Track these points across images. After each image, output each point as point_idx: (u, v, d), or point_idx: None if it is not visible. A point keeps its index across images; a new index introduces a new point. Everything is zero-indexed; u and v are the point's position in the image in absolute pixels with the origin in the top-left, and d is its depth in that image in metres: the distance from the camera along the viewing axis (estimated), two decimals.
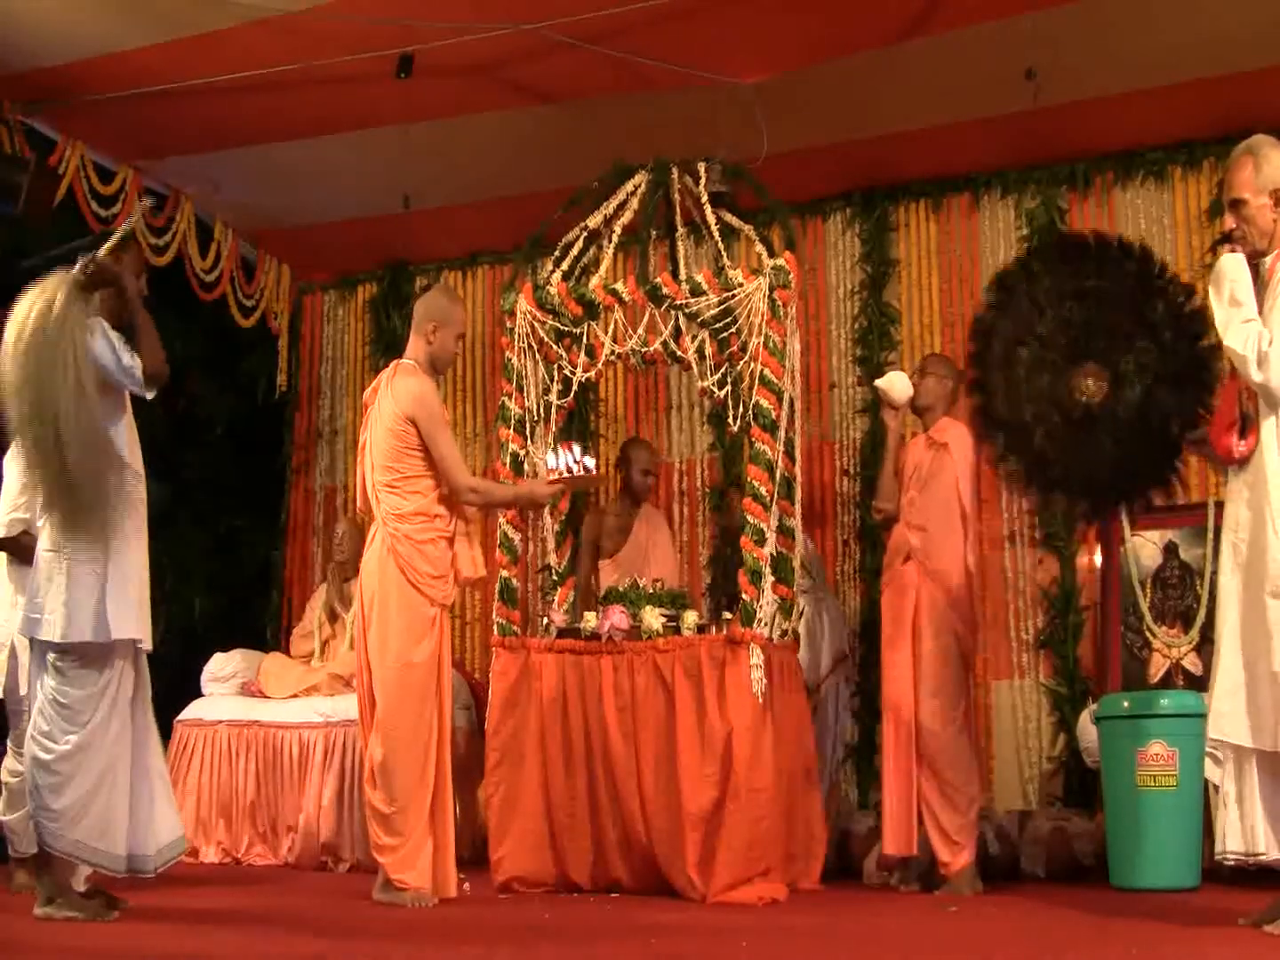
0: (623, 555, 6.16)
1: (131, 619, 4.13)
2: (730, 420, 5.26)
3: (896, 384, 5.41)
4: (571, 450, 4.80)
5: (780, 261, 5.09)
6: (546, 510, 5.52)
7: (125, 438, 4.25)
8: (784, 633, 5.13)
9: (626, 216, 5.38)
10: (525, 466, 5.31)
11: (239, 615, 7.72)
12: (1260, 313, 3.83)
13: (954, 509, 5.14)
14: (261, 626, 7.80)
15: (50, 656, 4.09)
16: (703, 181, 5.33)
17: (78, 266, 4.16)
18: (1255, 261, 3.95)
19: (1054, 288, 4.67)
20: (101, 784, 4.06)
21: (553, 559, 5.59)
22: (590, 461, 4.81)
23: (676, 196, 5.40)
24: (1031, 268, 4.84)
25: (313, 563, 7.92)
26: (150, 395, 4.22)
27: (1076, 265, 4.71)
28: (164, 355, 4.21)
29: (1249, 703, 3.75)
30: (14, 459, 5.15)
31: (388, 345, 7.76)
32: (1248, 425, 3.84)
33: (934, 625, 5.07)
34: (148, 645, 4.23)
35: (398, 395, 4.66)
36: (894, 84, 5.94)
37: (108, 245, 4.25)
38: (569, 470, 4.75)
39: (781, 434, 5.04)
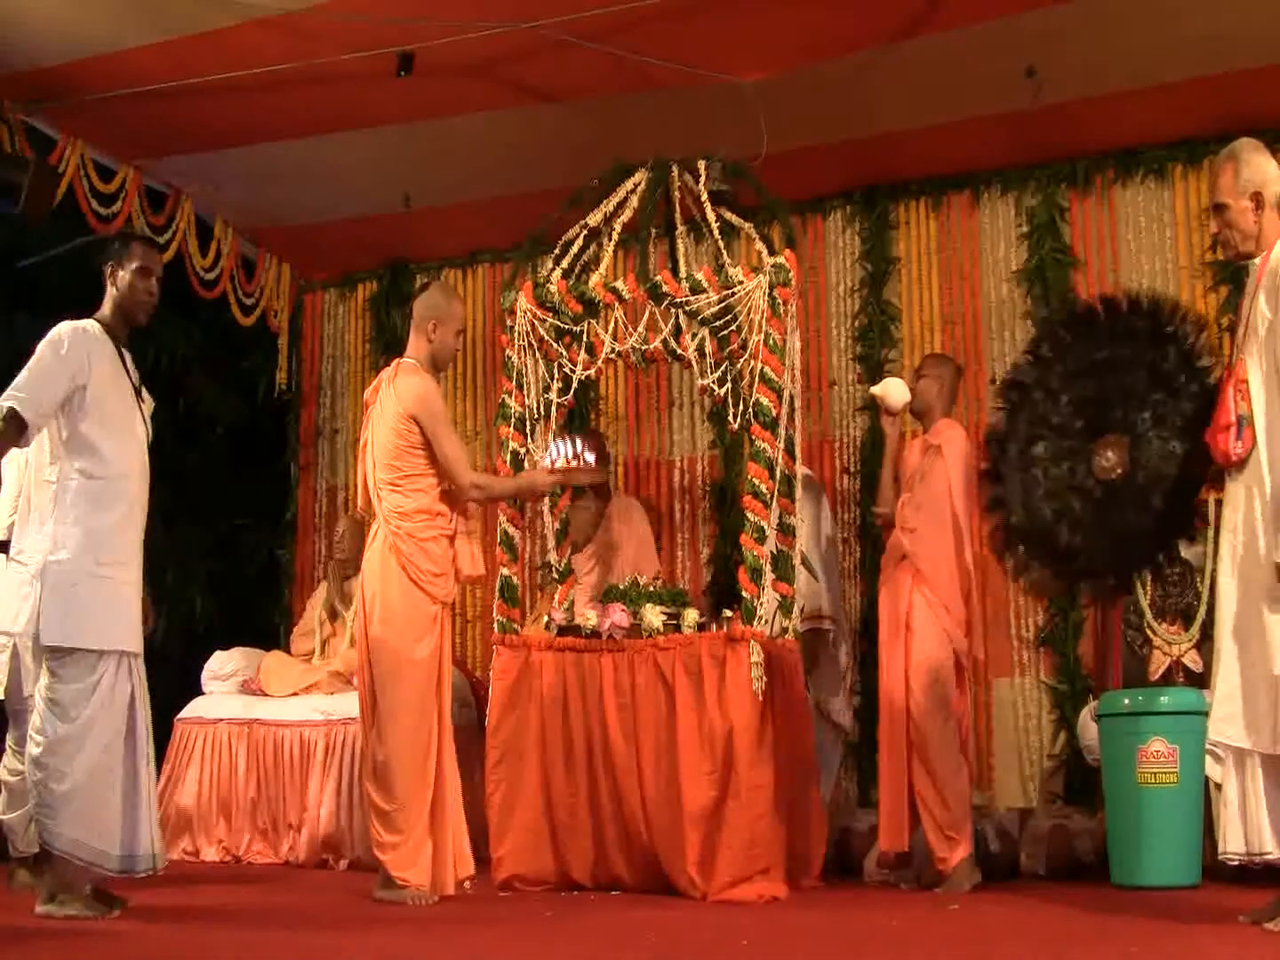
0: (594, 548, 6.11)
1: (95, 629, 4.10)
2: (730, 418, 5.26)
3: (892, 390, 5.42)
4: (572, 443, 4.82)
5: (780, 259, 5.09)
6: (546, 509, 5.53)
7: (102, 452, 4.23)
8: (784, 630, 5.13)
9: (626, 214, 5.37)
10: (525, 465, 5.31)
11: (240, 613, 7.72)
12: (1241, 314, 3.86)
13: (945, 511, 5.15)
14: (262, 625, 7.79)
15: (45, 655, 4.10)
16: (703, 180, 5.33)
17: None
18: (1243, 264, 3.99)
19: (1066, 370, 4.58)
20: (93, 782, 4.05)
21: (553, 557, 5.59)
22: (590, 456, 4.82)
23: (676, 194, 5.40)
24: (1041, 353, 4.74)
25: (317, 561, 7.93)
26: None
27: (1087, 339, 4.61)
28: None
29: (1246, 705, 3.76)
30: (10, 462, 5.16)
31: (388, 344, 7.77)
32: (1243, 426, 3.85)
33: (925, 625, 5.10)
34: (130, 648, 4.21)
35: (400, 394, 4.67)
36: (894, 83, 5.93)
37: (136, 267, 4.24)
38: (568, 462, 4.78)
39: (782, 432, 5.05)
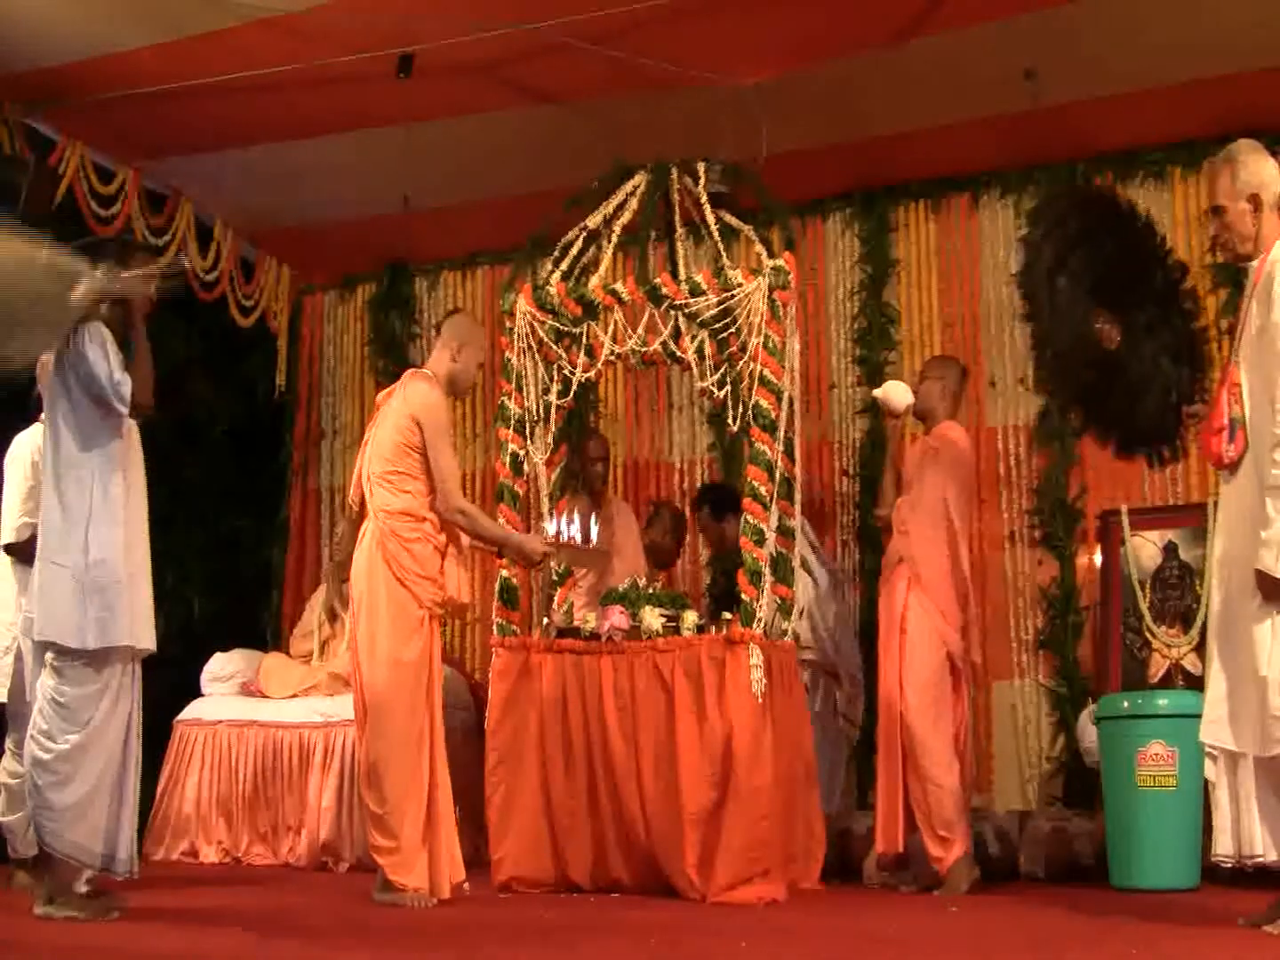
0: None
1: (114, 627, 4.12)
2: (730, 421, 5.26)
3: (894, 392, 5.42)
4: (574, 521, 4.85)
5: (780, 262, 5.09)
6: (545, 510, 5.51)
7: (121, 451, 4.25)
8: (783, 633, 5.13)
9: (626, 216, 5.37)
10: (525, 467, 5.31)
11: (239, 615, 7.71)
12: (1241, 316, 3.86)
13: (940, 514, 5.15)
14: (261, 627, 7.80)
15: (49, 656, 4.10)
16: (702, 182, 5.33)
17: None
18: (1242, 266, 3.99)
19: (1077, 230, 4.64)
20: (100, 785, 4.07)
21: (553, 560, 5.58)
22: (594, 535, 4.84)
23: (676, 197, 5.40)
24: (1060, 209, 4.80)
25: (313, 563, 7.92)
26: (129, 416, 4.22)
27: (1090, 216, 4.67)
28: (153, 388, 4.22)
29: (1235, 708, 3.77)
30: (14, 463, 5.15)
31: (387, 346, 7.78)
32: (1235, 430, 3.85)
33: (919, 626, 5.10)
34: (145, 646, 4.24)
35: (409, 396, 4.72)
36: (894, 84, 5.93)
37: (142, 273, 4.26)
38: (571, 540, 4.81)
39: (781, 434, 5.05)
